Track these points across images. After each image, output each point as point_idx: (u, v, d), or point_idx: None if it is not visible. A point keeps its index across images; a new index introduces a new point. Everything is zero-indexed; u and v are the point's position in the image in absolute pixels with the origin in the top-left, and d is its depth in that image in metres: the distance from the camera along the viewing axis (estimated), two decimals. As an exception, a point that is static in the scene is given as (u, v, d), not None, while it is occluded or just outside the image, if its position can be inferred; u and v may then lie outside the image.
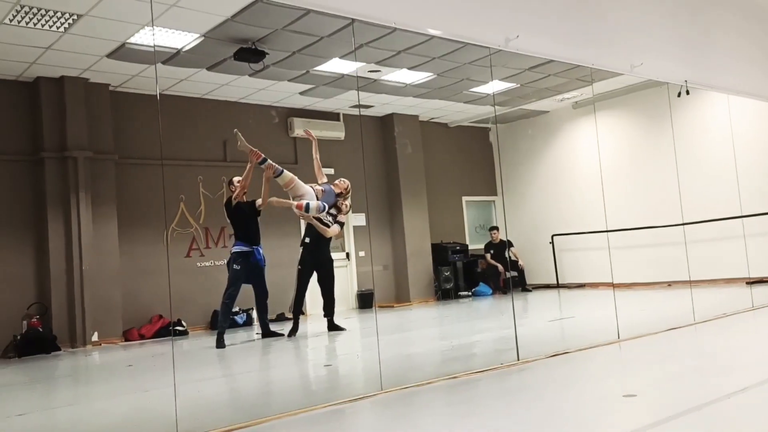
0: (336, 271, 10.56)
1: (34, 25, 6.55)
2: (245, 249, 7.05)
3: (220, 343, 6.77)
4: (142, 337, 8.38)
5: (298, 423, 3.55)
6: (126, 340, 8.31)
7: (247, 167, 6.92)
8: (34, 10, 6.25)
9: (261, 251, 7.18)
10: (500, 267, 11.75)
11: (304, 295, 7.52)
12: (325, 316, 7.67)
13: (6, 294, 7.78)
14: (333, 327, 7.59)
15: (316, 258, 7.46)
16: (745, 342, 5.36)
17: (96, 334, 8.05)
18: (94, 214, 8.26)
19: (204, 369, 5.74)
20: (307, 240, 7.44)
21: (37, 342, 7.51)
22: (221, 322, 6.96)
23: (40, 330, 7.63)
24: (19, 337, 7.53)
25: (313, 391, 4.71)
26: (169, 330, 8.36)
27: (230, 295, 6.99)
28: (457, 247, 11.97)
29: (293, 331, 7.32)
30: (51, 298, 7.94)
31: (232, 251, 7.18)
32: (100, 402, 4.79)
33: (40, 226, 8.10)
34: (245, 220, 7.12)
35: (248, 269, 7.05)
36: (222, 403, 4.39)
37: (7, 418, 4.30)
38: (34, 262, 8.08)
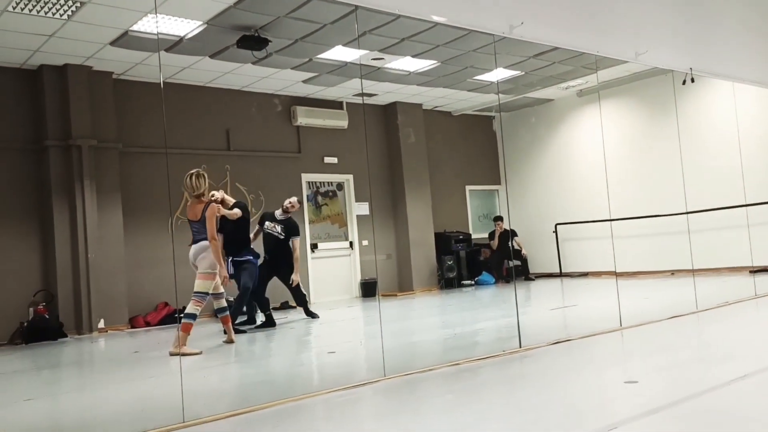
0: (339, 260, 10.75)
1: (37, 12, 6.54)
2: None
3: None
4: (147, 324, 8.44)
5: (301, 408, 3.58)
6: (132, 327, 8.37)
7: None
8: (38, -2, 6.25)
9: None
10: (493, 244, 11.84)
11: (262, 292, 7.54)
12: (299, 305, 8.02)
13: (12, 282, 7.83)
14: (309, 314, 7.92)
15: (275, 267, 7.65)
16: (747, 330, 5.37)
17: (102, 321, 8.11)
18: (99, 202, 8.30)
19: (209, 356, 5.77)
20: (267, 257, 7.69)
21: (43, 329, 7.58)
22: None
23: (47, 317, 7.69)
24: (25, 324, 7.59)
25: (316, 378, 4.75)
26: (174, 317, 8.40)
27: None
28: (460, 237, 11.98)
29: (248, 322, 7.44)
30: (57, 285, 7.99)
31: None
32: (106, 388, 4.84)
33: (45, 214, 8.14)
34: None
35: None
36: (227, 390, 4.43)
37: (15, 403, 4.35)
38: (39, 250, 8.12)
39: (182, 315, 5.76)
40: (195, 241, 5.94)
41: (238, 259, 6.86)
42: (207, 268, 5.83)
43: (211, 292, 5.91)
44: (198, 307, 5.78)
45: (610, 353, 4.74)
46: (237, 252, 6.87)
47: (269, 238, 7.65)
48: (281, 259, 7.62)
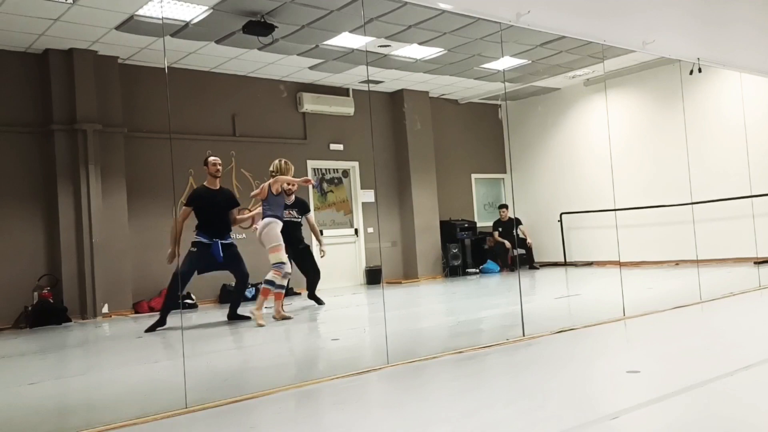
0: (344, 247, 10.77)
1: (43, -4, 6.53)
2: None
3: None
4: (151, 309, 8.46)
5: (305, 394, 3.60)
6: (136, 313, 8.41)
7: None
8: (43, -18, 6.22)
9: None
10: (507, 243, 11.79)
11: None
12: (309, 286, 8.11)
13: (17, 265, 7.87)
14: (314, 298, 8.00)
15: (292, 251, 7.56)
16: (750, 321, 5.36)
17: (106, 305, 8.15)
18: (104, 186, 8.32)
19: (213, 342, 5.80)
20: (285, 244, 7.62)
21: (48, 313, 7.62)
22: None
23: (51, 301, 7.73)
24: (30, 308, 7.63)
25: (320, 364, 4.76)
26: (178, 303, 8.43)
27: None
28: (466, 225, 11.97)
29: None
30: (62, 270, 8.03)
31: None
32: (110, 372, 4.87)
33: (50, 198, 8.16)
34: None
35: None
36: (230, 375, 4.45)
37: (19, 386, 4.39)
38: (44, 234, 8.16)
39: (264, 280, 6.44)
40: (263, 217, 6.55)
41: (224, 242, 6.77)
42: (272, 242, 6.41)
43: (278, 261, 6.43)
44: (277, 276, 6.42)
45: (613, 343, 4.75)
46: (222, 235, 6.76)
47: (287, 225, 7.39)
48: (300, 239, 7.79)
